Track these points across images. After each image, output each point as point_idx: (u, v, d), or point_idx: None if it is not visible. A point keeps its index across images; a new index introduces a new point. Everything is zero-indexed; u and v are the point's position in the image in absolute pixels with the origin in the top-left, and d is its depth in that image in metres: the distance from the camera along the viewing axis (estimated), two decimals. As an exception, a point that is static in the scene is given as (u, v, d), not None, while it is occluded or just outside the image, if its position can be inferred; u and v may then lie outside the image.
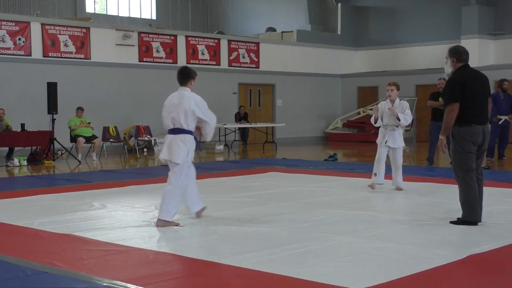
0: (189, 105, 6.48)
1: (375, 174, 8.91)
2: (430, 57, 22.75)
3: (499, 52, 21.42)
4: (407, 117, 8.86)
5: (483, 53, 21.00)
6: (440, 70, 23.24)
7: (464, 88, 6.31)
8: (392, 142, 8.89)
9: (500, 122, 13.07)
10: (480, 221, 6.34)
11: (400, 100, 9.04)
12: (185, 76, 6.64)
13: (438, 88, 12.88)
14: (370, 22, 24.98)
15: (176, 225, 6.48)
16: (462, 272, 4.76)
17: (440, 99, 12.65)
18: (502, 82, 13.52)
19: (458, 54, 6.56)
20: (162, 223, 6.46)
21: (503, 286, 4.47)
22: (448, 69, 6.56)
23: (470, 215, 6.35)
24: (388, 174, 9.10)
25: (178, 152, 6.52)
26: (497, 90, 13.47)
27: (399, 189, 8.94)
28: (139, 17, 26.50)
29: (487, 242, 5.62)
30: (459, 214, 6.59)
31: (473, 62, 22.88)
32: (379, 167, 8.91)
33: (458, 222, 6.41)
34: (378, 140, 9.04)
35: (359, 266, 4.89)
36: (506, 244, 5.58)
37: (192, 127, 6.61)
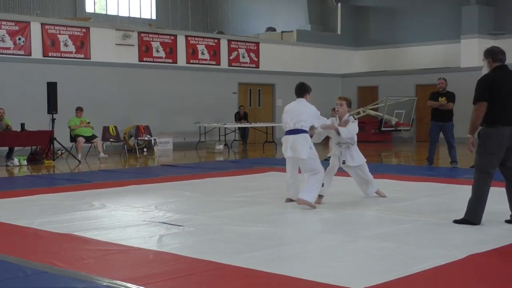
0: (310, 111, 7.80)
1: (322, 185, 8.00)
2: (430, 56, 22.75)
3: (499, 52, 21.40)
4: (346, 131, 7.96)
5: (482, 53, 20.97)
6: (440, 69, 23.25)
7: (493, 88, 6.22)
8: (351, 161, 8.09)
9: None
10: (479, 224, 6.30)
11: (349, 115, 8.27)
12: (302, 90, 7.99)
13: (438, 88, 12.87)
14: (370, 22, 24.98)
15: (315, 207, 7.49)
16: (462, 272, 4.75)
17: (440, 99, 12.64)
18: None
19: (494, 54, 6.45)
20: (302, 202, 7.47)
21: (503, 286, 4.47)
22: (485, 70, 6.48)
23: (471, 215, 6.37)
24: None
25: (302, 149, 7.59)
26: None
27: (378, 192, 8.41)
28: (139, 17, 26.51)
29: (487, 242, 5.62)
30: (459, 213, 6.59)
31: (473, 62, 22.95)
32: (330, 178, 8.12)
33: (461, 220, 6.42)
34: (332, 154, 8.43)
35: (359, 265, 4.89)
36: (506, 244, 5.58)
37: (308, 128, 7.78)
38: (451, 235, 6.01)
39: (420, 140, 21.61)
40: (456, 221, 6.46)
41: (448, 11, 22.45)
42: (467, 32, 21.21)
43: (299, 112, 7.76)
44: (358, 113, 23.38)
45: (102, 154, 15.41)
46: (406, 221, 6.72)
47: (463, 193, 7.21)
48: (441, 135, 12.71)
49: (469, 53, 20.92)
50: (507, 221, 6.47)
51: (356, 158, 8.15)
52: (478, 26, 21.11)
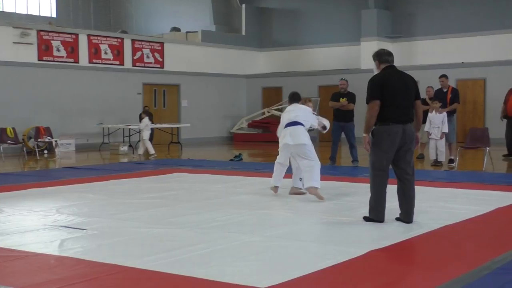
0: (305, 109, 8.84)
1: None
2: (332, 58, 23.32)
3: (396, 54, 22.14)
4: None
5: (381, 55, 21.71)
6: (341, 71, 23.94)
7: (384, 87, 6.44)
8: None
9: None
10: (383, 221, 6.45)
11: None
12: (295, 98, 9.02)
13: (339, 88, 13.21)
14: (274, 23, 25.33)
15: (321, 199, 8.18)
16: (362, 268, 4.91)
17: (341, 99, 12.98)
18: None
19: (379, 56, 6.77)
20: (313, 190, 8.18)
21: (398, 280, 4.65)
22: (375, 72, 6.74)
23: (373, 214, 6.52)
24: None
25: (303, 137, 8.45)
26: None
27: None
28: (38, 14, 25.65)
29: (387, 238, 5.82)
30: (361, 211, 6.80)
31: (372, 64, 23.53)
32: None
33: (367, 218, 6.57)
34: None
35: (264, 264, 4.94)
36: (403, 239, 5.80)
37: (306, 124, 8.63)
38: (353, 233, 6.18)
39: (323, 139, 22.03)
40: (365, 218, 6.59)
41: (349, 14, 23.10)
42: (366, 34, 21.91)
43: (295, 110, 8.78)
44: (263, 113, 23.68)
45: None
46: (310, 220, 6.86)
47: (364, 191, 7.43)
48: (343, 135, 13.05)
49: (369, 55, 21.20)
50: (397, 219, 6.61)
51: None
52: (377, 29, 21.86)
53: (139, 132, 16.84)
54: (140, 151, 16.25)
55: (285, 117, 8.80)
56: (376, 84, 6.51)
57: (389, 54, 6.76)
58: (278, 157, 8.84)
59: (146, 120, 16.54)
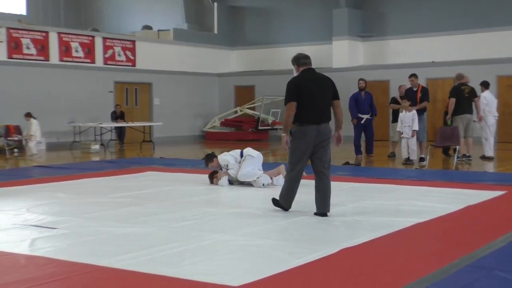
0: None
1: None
2: (304, 57, 23.39)
3: (367, 54, 22.41)
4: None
5: (352, 54, 21.91)
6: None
7: (300, 89, 6.73)
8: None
9: (362, 122, 13.59)
10: (288, 209, 7.08)
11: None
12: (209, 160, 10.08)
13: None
14: (246, 22, 25.34)
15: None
16: (335, 266, 4.94)
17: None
18: (358, 81, 14.12)
19: (297, 60, 7.03)
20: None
21: (369, 275, 4.69)
22: (295, 75, 7.01)
23: (282, 200, 7.12)
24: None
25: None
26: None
27: None
28: (7, 12, 25.31)
29: (358, 236, 5.86)
30: (333, 209, 6.86)
31: (344, 63, 23.83)
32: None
33: (276, 203, 7.18)
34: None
35: (237, 263, 4.95)
36: (374, 237, 5.85)
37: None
38: (325, 231, 6.22)
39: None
40: (274, 201, 7.22)
41: (320, 13, 23.21)
42: (338, 34, 22.03)
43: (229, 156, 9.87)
44: (236, 112, 23.68)
45: None
46: (283, 217, 6.87)
47: (336, 189, 7.48)
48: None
49: (340, 54, 21.78)
50: (315, 214, 6.95)
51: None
52: (348, 28, 21.99)
53: (29, 133, 16.58)
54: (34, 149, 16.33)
55: (232, 159, 9.65)
56: (293, 86, 6.79)
57: (306, 57, 7.05)
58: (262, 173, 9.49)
59: (35, 121, 16.49)
